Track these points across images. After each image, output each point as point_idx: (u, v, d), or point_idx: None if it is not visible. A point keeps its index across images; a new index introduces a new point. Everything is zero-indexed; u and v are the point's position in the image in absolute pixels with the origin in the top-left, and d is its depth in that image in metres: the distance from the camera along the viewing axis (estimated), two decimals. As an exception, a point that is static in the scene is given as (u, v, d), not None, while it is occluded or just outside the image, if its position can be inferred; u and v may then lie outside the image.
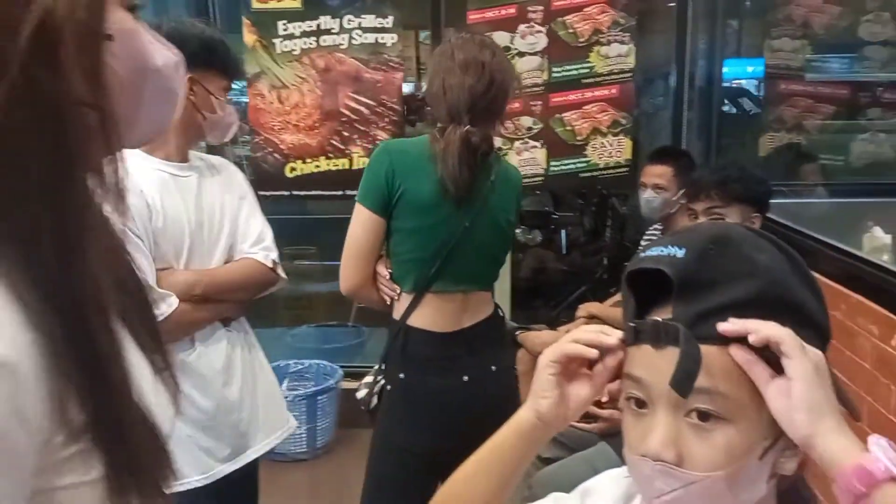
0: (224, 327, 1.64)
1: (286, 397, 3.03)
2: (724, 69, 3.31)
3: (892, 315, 1.48)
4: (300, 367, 3.44)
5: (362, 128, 3.30)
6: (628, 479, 0.79)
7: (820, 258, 1.78)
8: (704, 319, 0.65)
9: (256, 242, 1.70)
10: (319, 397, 3.18)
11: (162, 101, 0.67)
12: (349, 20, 3.23)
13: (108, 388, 0.58)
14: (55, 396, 0.54)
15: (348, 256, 1.64)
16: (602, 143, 3.24)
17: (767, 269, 0.67)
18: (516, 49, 3.19)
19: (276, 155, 3.30)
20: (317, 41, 3.25)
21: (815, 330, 0.68)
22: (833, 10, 3.10)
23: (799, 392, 0.62)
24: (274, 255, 1.72)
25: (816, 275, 0.72)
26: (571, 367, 0.76)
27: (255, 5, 3.23)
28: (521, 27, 3.18)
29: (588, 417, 2.06)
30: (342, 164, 3.32)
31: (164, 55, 0.66)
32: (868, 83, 3.20)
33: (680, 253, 0.67)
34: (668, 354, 0.65)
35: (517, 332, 2.85)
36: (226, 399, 1.62)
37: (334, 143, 3.31)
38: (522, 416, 0.78)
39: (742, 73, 3.43)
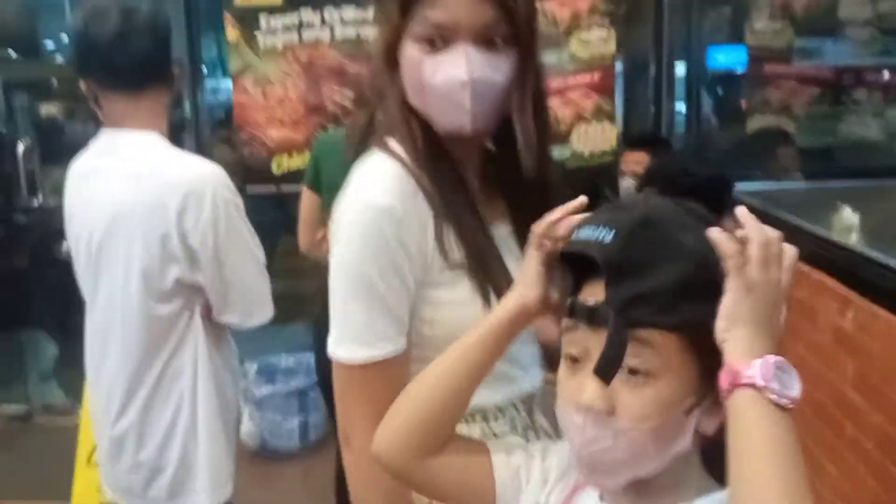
0: None
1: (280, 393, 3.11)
2: (705, 54, 3.31)
3: (847, 291, 1.50)
4: (291, 362, 3.48)
5: (347, 121, 3.32)
6: None
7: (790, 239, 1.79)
8: (633, 305, 0.67)
9: None
10: (311, 392, 3.21)
11: (446, 107, 0.94)
12: (329, 12, 3.24)
13: (474, 232, 0.96)
14: (437, 236, 0.95)
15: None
16: (586, 130, 3.25)
17: (691, 251, 0.69)
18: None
19: (262, 150, 3.33)
20: (299, 36, 3.27)
21: None
22: (811, -10, 3.10)
23: (725, 302, 0.66)
24: None
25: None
26: (553, 254, 0.79)
27: (237, 2, 3.25)
28: (502, 16, 3.19)
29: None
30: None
31: (447, 74, 0.93)
32: (853, 65, 3.20)
33: (609, 237, 0.69)
34: (602, 334, 0.69)
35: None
36: None
37: (318, 136, 3.33)
38: (507, 309, 0.80)
39: (724, 57, 3.43)
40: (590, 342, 0.71)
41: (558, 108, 3.24)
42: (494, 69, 0.93)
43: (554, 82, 3.22)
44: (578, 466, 0.76)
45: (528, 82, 0.97)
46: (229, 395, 1.62)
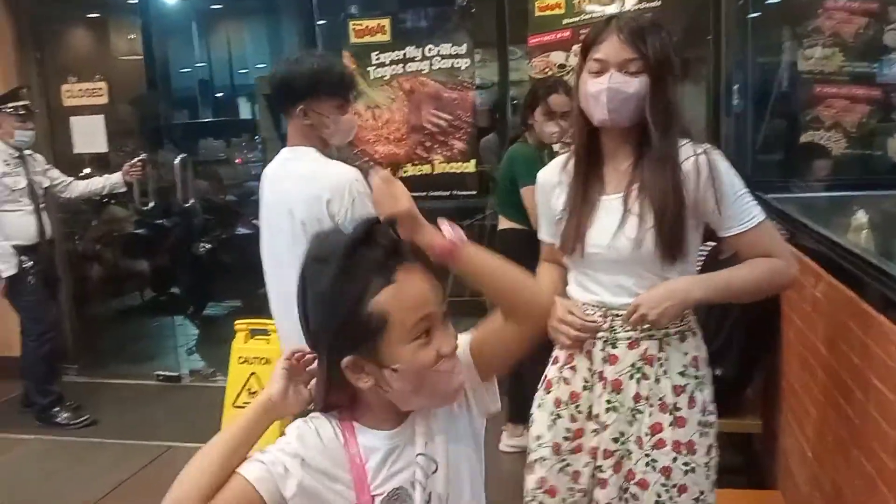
0: None
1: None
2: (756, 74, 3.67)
3: (819, 269, 1.93)
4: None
5: (442, 138, 3.92)
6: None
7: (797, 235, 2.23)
8: None
9: None
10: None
11: (594, 105, 1.48)
12: (429, 49, 3.86)
13: (574, 198, 1.62)
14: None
15: None
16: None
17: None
18: (571, 66, 3.70)
19: (370, 163, 3.96)
20: (403, 67, 3.90)
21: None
22: (860, 20, 3.43)
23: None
24: None
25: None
26: (298, 370, 1.05)
27: (354, 40, 3.92)
28: (575, 47, 3.69)
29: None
30: (426, 169, 3.94)
31: (597, 84, 1.49)
32: (898, 84, 3.48)
33: None
34: None
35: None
36: None
37: (418, 152, 3.93)
38: (258, 402, 1.03)
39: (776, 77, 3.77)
40: None
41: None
42: (627, 85, 1.48)
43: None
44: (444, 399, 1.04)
45: (659, 98, 1.49)
46: None
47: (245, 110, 13.25)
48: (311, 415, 1.04)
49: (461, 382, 1.03)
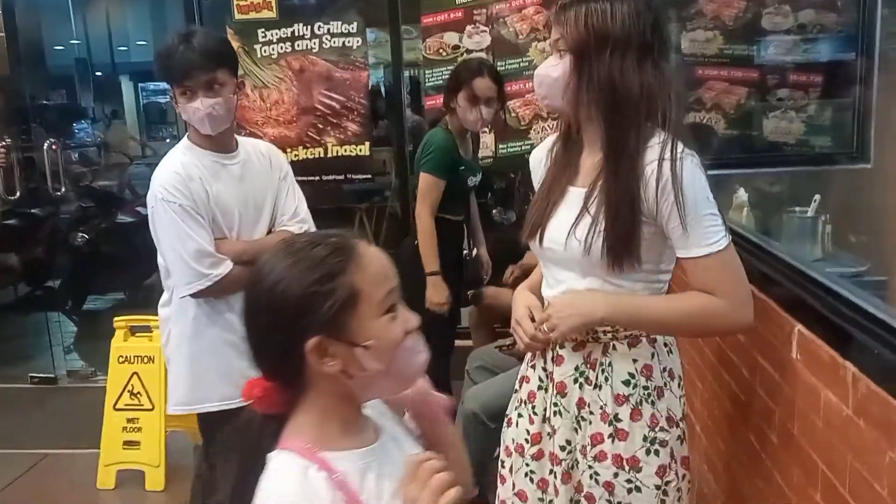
0: None
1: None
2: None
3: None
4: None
5: (334, 120, 3.79)
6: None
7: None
8: None
9: (293, 216, 2.06)
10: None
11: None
12: (319, 27, 3.72)
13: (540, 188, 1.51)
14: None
15: None
16: (543, 127, 3.71)
17: None
18: (465, 47, 3.66)
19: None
20: (292, 46, 3.74)
21: None
22: (739, 4, 3.55)
23: None
24: (307, 226, 2.07)
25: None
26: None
27: (238, 16, 3.72)
28: (468, 28, 3.65)
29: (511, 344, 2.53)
30: (318, 152, 3.81)
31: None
32: (776, 67, 3.64)
33: None
34: None
35: (471, 292, 3.33)
36: None
37: (310, 134, 3.80)
38: None
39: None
40: None
41: (519, 109, 3.71)
42: (552, 68, 1.36)
43: (515, 86, 3.70)
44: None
45: (584, 81, 1.32)
46: None
47: (128, 90, 12.56)
48: (278, 471, 0.92)
49: (425, 360, 0.99)
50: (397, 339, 0.94)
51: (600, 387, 1.41)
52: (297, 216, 2.07)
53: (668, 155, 1.30)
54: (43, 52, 6.06)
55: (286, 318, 0.90)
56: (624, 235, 1.32)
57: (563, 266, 1.44)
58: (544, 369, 1.49)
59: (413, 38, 4.16)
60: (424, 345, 0.99)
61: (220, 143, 1.98)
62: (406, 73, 4.17)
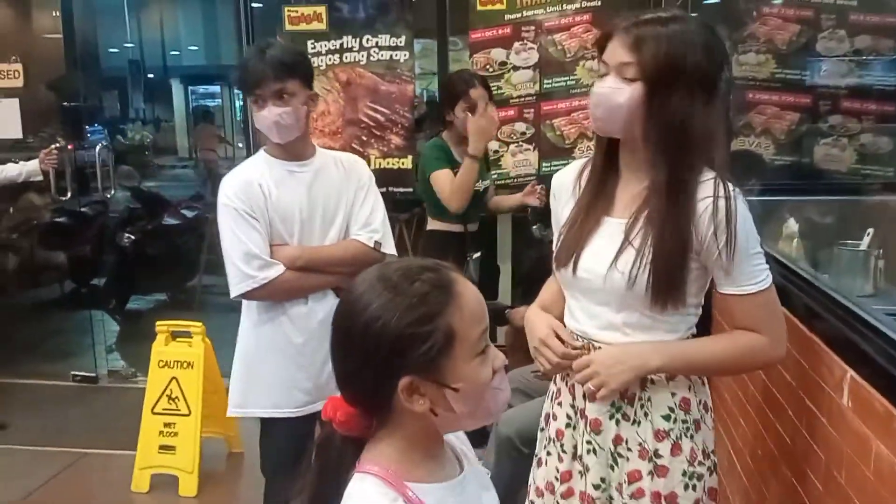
0: (334, 294, 2.03)
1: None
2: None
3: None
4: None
5: (378, 133, 3.81)
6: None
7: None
8: None
9: (364, 226, 2.07)
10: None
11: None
12: (367, 39, 3.74)
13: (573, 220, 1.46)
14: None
15: None
16: (589, 146, 3.68)
17: None
18: (512, 63, 3.65)
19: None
20: (340, 58, 3.77)
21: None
22: (794, 27, 3.48)
23: None
24: (378, 236, 2.07)
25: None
26: None
27: (288, 27, 3.77)
28: (516, 44, 3.64)
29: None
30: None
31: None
32: (829, 92, 3.56)
33: None
34: None
35: (506, 311, 3.31)
36: (313, 337, 2.01)
37: (354, 146, 3.82)
38: None
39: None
40: None
41: (563, 127, 3.68)
42: (617, 93, 1.29)
43: (562, 104, 3.67)
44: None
45: (656, 112, 1.29)
46: None
47: (178, 93, 12.83)
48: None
49: (507, 398, 0.98)
50: (486, 381, 0.92)
51: (639, 422, 1.38)
52: (368, 226, 2.08)
53: (721, 192, 1.30)
54: (98, 54, 6.21)
55: (381, 356, 0.88)
56: (673, 270, 1.31)
57: (597, 298, 1.40)
58: (573, 406, 1.45)
59: (459, 50, 4.16)
60: (507, 381, 0.98)
61: (293, 152, 2.02)
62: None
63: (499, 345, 3.36)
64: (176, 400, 2.97)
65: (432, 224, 3.06)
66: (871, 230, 2.42)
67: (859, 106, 3.55)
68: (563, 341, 1.42)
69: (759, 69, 3.57)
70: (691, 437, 1.38)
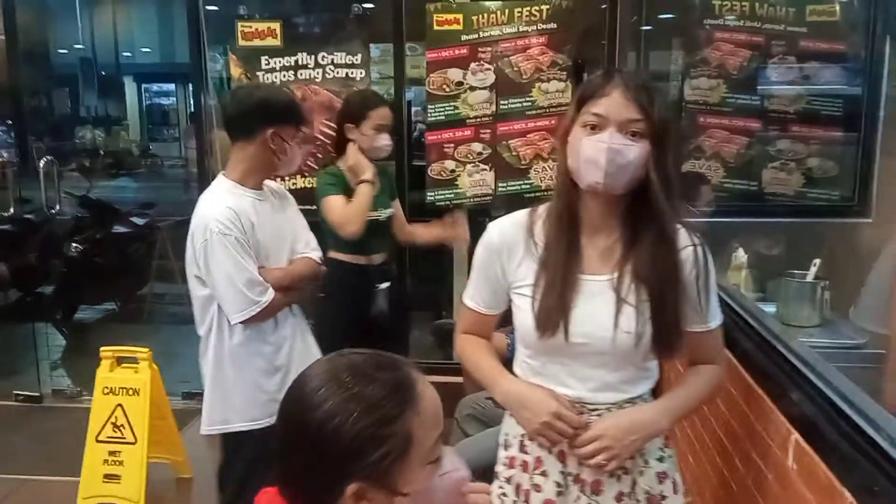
0: (290, 310, 2.23)
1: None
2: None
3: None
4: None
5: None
6: None
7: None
8: None
9: (307, 244, 2.29)
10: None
11: (589, 166, 1.22)
12: (323, 56, 3.69)
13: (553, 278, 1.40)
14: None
15: None
16: (544, 167, 3.69)
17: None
18: (468, 84, 3.64)
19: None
20: (295, 74, 3.72)
21: None
22: (745, 53, 3.55)
23: None
24: (319, 253, 2.31)
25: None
26: None
27: (241, 42, 3.70)
28: (473, 65, 3.63)
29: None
30: (316, 182, 3.78)
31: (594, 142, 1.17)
32: (778, 118, 3.64)
33: None
34: None
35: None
36: (280, 346, 2.19)
37: (310, 163, 3.77)
38: None
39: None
40: None
41: (520, 148, 3.69)
42: (629, 149, 1.30)
43: (517, 125, 3.68)
44: None
45: (661, 167, 1.32)
46: None
47: (131, 95, 12.52)
48: None
49: (464, 476, 0.94)
50: (437, 487, 0.89)
51: (642, 472, 1.41)
52: (310, 244, 2.30)
53: (696, 240, 1.41)
54: (48, 55, 6.02)
55: (332, 458, 0.83)
56: (673, 320, 1.36)
57: (592, 361, 1.39)
58: (562, 472, 1.42)
59: (417, 55, 4.12)
60: (459, 460, 0.95)
61: (257, 184, 2.18)
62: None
63: (452, 363, 3.34)
64: (122, 428, 2.89)
65: (332, 254, 2.84)
66: (817, 261, 2.47)
67: (807, 131, 3.64)
68: None
69: (710, 93, 3.62)
70: (678, 470, 1.47)
